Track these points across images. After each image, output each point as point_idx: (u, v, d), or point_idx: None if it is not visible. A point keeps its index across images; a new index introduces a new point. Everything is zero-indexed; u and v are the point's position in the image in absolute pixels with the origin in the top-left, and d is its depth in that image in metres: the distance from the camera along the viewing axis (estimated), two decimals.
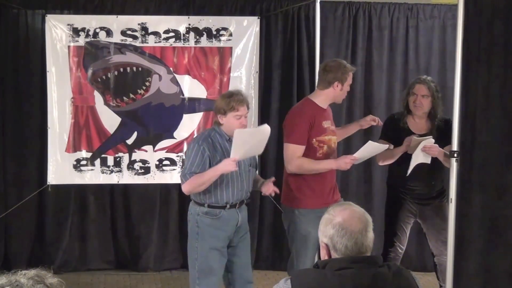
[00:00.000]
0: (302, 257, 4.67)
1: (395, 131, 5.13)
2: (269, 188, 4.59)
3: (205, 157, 4.35)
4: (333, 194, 4.78)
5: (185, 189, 4.43)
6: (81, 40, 6.20)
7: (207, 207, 4.45)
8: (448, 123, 4.73)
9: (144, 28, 6.27)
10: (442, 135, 4.94)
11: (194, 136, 5.67)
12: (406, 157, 5.00)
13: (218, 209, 4.45)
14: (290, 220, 4.75)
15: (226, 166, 4.29)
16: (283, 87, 6.63)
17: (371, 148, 4.69)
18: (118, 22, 6.26)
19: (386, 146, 4.81)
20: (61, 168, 6.25)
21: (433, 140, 4.91)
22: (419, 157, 4.94)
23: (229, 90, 5.24)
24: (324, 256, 2.39)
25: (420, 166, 4.96)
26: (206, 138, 4.44)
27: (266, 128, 4.45)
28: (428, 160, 4.94)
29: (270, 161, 6.49)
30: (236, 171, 4.42)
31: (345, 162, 4.60)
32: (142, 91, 6.33)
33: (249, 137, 4.42)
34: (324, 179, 4.70)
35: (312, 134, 4.64)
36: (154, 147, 6.36)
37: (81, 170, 6.27)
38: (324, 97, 4.74)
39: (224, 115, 4.41)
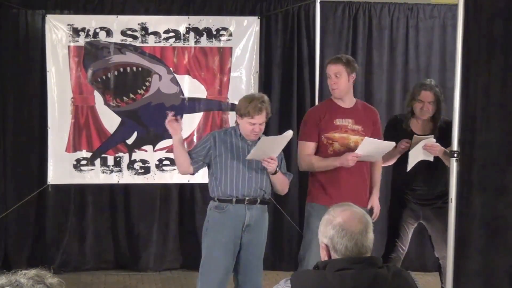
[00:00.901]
0: (308, 252, 4.69)
1: (398, 132, 5.11)
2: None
3: (207, 144, 4.52)
4: (355, 198, 4.43)
5: None
6: (81, 40, 6.20)
7: (217, 201, 4.53)
8: (450, 125, 4.72)
9: (144, 28, 6.27)
10: (444, 136, 4.92)
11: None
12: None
13: (225, 203, 4.50)
14: (306, 215, 4.87)
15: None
16: (283, 87, 6.63)
17: (372, 145, 4.67)
18: (118, 22, 6.26)
19: (392, 144, 4.77)
20: (61, 168, 6.25)
21: (434, 140, 4.91)
22: (420, 155, 4.93)
23: (253, 93, 5.21)
24: (324, 256, 2.39)
25: (422, 167, 4.95)
26: (221, 131, 4.68)
27: (288, 133, 4.46)
28: (430, 157, 4.93)
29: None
30: (243, 166, 4.47)
31: (347, 159, 4.63)
32: (142, 91, 6.33)
33: (271, 143, 4.48)
34: (339, 178, 4.71)
35: (320, 130, 4.73)
36: (154, 147, 6.37)
37: (81, 170, 6.28)
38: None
39: (240, 117, 4.45)
